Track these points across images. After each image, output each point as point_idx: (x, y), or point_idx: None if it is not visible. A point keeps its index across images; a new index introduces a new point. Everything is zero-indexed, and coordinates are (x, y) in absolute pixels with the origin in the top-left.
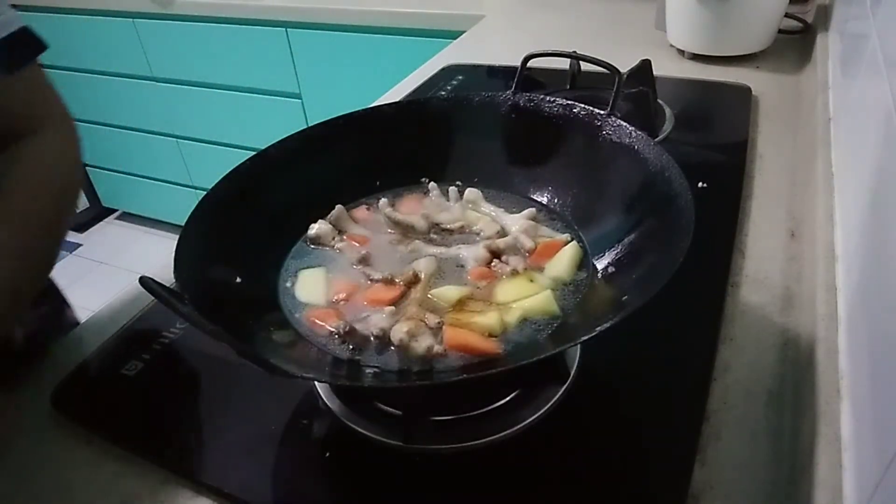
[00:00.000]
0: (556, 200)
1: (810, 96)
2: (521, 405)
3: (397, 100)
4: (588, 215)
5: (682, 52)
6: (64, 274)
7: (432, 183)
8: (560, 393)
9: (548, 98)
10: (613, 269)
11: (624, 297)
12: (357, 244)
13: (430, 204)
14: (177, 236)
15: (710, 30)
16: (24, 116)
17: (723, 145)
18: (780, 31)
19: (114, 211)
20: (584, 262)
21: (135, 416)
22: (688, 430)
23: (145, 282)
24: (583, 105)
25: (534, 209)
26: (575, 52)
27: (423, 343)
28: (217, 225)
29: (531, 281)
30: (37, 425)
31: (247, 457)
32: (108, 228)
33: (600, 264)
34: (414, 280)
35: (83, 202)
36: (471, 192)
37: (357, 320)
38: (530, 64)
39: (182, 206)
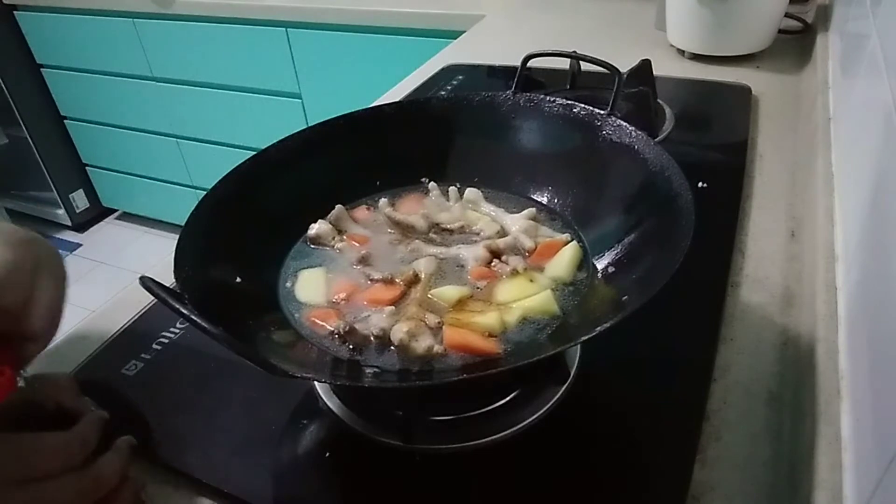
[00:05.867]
0: (556, 200)
1: (810, 96)
2: (521, 405)
3: (397, 100)
4: (588, 215)
5: (682, 52)
6: None
7: (432, 183)
8: (560, 393)
9: (548, 98)
10: (613, 269)
11: (624, 297)
12: (357, 244)
13: (430, 204)
14: (177, 236)
15: (710, 30)
16: None
17: (723, 145)
18: (780, 31)
19: (114, 211)
20: (584, 262)
21: (135, 416)
22: (688, 430)
23: (145, 282)
24: (583, 105)
25: (534, 209)
26: (575, 52)
27: (423, 343)
28: (217, 225)
29: (531, 281)
30: None
31: (247, 457)
32: (108, 228)
33: (600, 264)
34: (414, 280)
35: (83, 202)
36: (471, 192)
37: (357, 320)
38: (530, 64)
39: (182, 206)
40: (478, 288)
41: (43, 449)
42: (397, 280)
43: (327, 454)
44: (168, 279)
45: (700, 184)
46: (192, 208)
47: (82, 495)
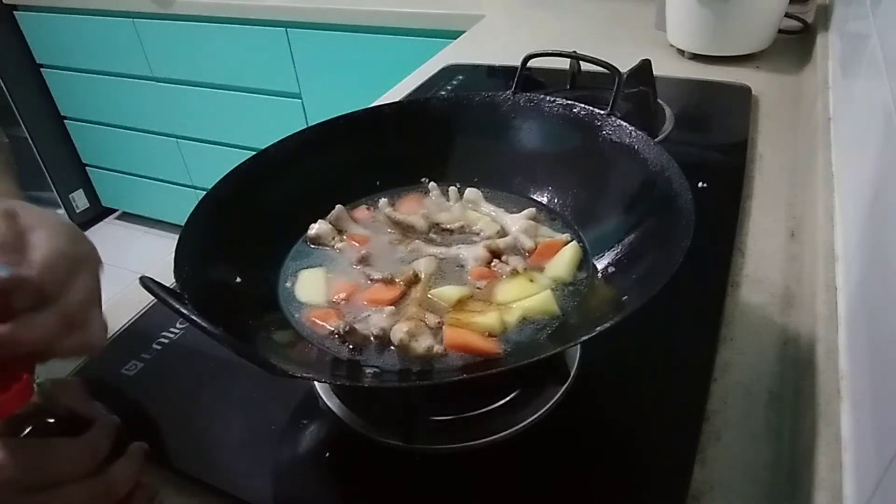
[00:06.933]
0: (556, 200)
1: (810, 96)
2: (521, 405)
3: (397, 100)
4: (588, 215)
5: (682, 52)
6: None
7: (432, 183)
8: (560, 393)
9: (548, 98)
10: (613, 269)
11: (624, 297)
12: (357, 244)
13: (430, 204)
14: (177, 236)
15: (710, 30)
16: None
17: (723, 145)
18: (780, 31)
19: (114, 211)
20: (584, 262)
21: (135, 416)
22: (688, 430)
23: (145, 282)
24: (583, 105)
25: (534, 209)
26: (575, 52)
27: (423, 343)
28: (217, 225)
29: (531, 281)
30: None
31: (247, 457)
32: (108, 228)
33: (600, 264)
34: (414, 280)
35: (83, 202)
36: (471, 192)
37: (357, 320)
38: (530, 64)
39: (182, 206)
40: (478, 288)
41: (55, 456)
42: (397, 280)
43: (327, 454)
44: (168, 279)
45: (700, 184)
46: (192, 208)
47: (95, 502)
